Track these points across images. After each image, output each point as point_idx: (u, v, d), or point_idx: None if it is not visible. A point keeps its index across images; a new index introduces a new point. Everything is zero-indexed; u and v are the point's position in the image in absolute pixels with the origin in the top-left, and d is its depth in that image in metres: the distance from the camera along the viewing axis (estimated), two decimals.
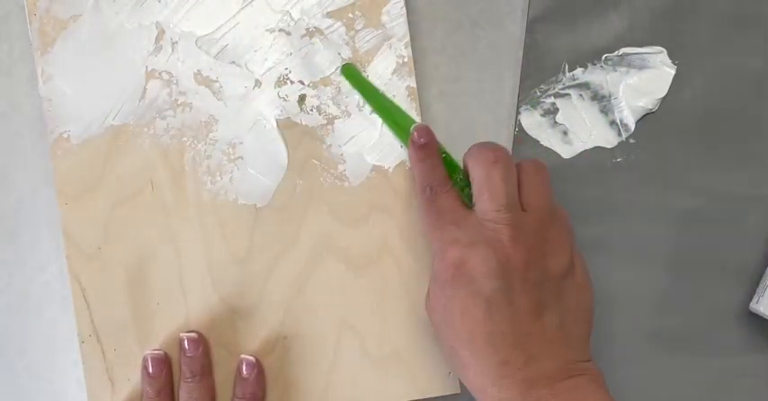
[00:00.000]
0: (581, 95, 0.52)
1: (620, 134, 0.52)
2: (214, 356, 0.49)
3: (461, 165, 0.46)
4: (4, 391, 0.51)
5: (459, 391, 0.50)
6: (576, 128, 0.52)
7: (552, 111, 0.52)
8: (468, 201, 0.44)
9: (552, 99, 0.52)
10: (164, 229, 0.50)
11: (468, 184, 0.44)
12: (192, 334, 0.48)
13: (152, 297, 0.50)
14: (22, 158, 0.52)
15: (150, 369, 0.48)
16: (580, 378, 0.42)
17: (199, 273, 0.50)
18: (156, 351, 0.48)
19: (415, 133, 0.45)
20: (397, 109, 0.49)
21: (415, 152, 0.45)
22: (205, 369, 0.48)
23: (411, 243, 0.50)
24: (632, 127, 0.51)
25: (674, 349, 0.52)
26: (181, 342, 0.48)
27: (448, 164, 0.46)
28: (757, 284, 0.51)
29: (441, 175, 0.45)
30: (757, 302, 0.50)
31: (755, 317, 0.51)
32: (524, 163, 0.45)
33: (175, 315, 0.50)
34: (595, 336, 0.51)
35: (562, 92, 0.52)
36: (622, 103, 0.51)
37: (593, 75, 0.52)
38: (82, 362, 0.49)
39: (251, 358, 0.48)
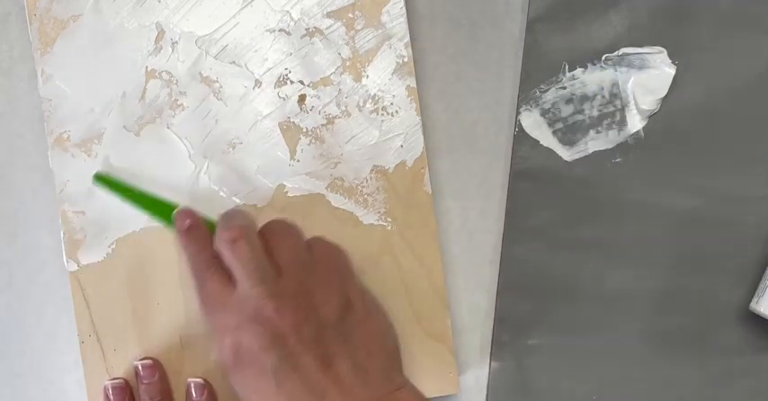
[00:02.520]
0: (581, 95, 0.52)
1: (619, 134, 0.52)
2: (212, 357, 0.49)
3: None
4: (4, 391, 0.51)
5: (458, 391, 0.50)
6: (576, 127, 0.52)
7: (552, 111, 0.52)
8: None
9: (552, 99, 0.52)
10: (164, 229, 0.50)
11: None
12: (147, 361, 0.49)
13: (152, 297, 0.50)
14: (22, 158, 0.52)
15: (112, 398, 0.48)
16: None
17: None
18: (117, 380, 0.49)
19: (178, 218, 0.45)
20: (157, 200, 0.48)
21: (182, 237, 0.45)
22: (164, 395, 0.48)
23: (411, 243, 0.50)
24: (641, 128, 0.51)
25: (674, 349, 0.52)
26: (136, 369, 0.48)
27: None
28: (757, 284, 0.51)
29: (205, 258, 0.44)
30: (757, 302, 0.50)
31: (755, 317, 0.51)
32: (268, 226, 0.44)
33: (175, 315, 0.50)
34: (596, 336, 0.51)
35: (562, 91, 0.52)
36: (631, 104, 0.51)
37: (594, 75, 0.52)
38: (82, 362, 0.49)
39: (199, 380, 0.49)
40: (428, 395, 0.50)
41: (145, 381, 0.48)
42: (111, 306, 0.49)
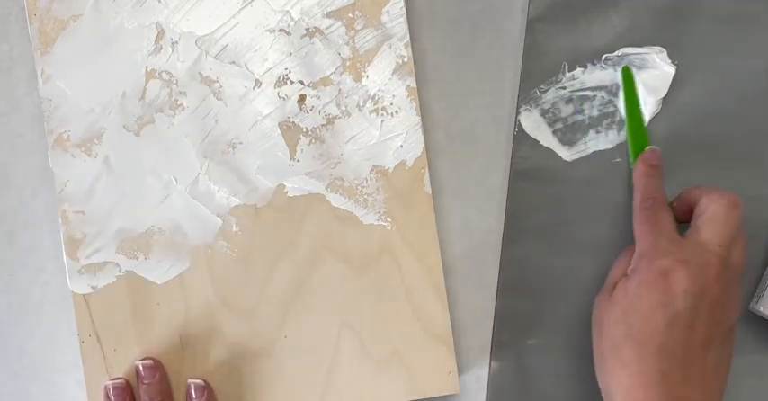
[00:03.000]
0: (581, 95, 0.52)
1: (619, 134, 0.52)
2: (212, 357, 0.49)
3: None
4: (4, 391, 0.51)
5: (458, 391, 0.50)
6: (576, 127, 0.52)
7: (552, 111, 0.52)
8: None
9: (552, 99, 0.52)
10: (164, 231, 0.50)
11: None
12: (148, 361, 0.49)
13: (152, 297, 0.50)
14: (22, 158, 0.52)
15: (113, 398, 0.48)
16: None
17: (199, 273, 0.50)
18: (118, 380, 0.49)
19: (650, 154, 0.50)
20: (643, 126, 0.51)
21: (644, 167, 0.49)
22: (164, 395, 0.48)
23: (411, 243, 0.50)
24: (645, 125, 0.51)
25: None
26: (137, 369, 0.48)
27: None
28: (757, 284, 0.51)
29: (664, 194, 0.48)
30: (757, 302, 0.50)
31: (755, 317, 0.51)
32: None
33: (175, 315, 0.50)
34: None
35: (562, 91, 0.52)
36: (643, 101, 0.51)
37: (594, 75, 0.52)
38: (82, 362, 0.49)
39: (199, 381, 0.49)
40: (428, 395, 0.50)
41: (145, 381, 0.48)
42: (111, 306, 0.49)
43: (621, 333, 0.45)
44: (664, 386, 0.43)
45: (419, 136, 0.51)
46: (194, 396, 0.48)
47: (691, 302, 0.44)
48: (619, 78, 0.51)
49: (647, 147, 0.50)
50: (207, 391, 0.48)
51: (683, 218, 0.48)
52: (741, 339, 0.51)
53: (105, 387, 0.48)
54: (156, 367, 0.48)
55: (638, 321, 0.44)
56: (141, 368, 0.48)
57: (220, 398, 0.49)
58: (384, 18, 0.50)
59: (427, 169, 0.51)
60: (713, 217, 0.46)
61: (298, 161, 0.50)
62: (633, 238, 0.48)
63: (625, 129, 0.51)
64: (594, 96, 0.52)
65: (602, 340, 0.46)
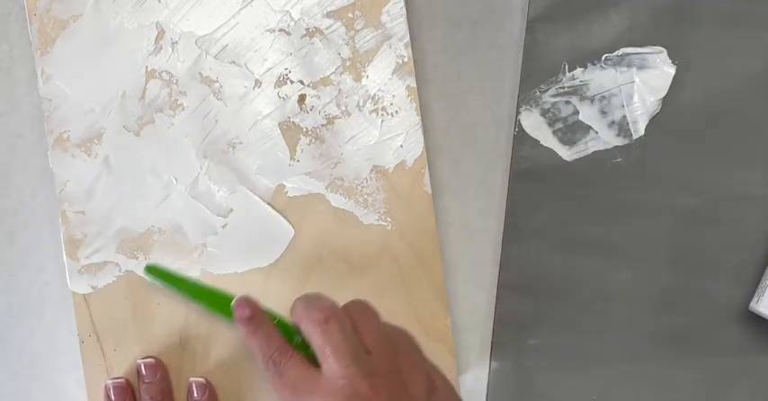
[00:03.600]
0: (581, 95, 0.52)
1: (619, 134, 0.52)
2: (212, 357, 0.49)
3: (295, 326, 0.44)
4: (4, 391, 0.51)
5: (459, 391, 0.50)
6: (576, 127, 0.52)
7: (552, 111, 0.52)
8: (314, 361, 0.42)
9: (552, 99, 0.52)
10: (163, 232, 0.50)
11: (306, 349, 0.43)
12: (150, 360, 0.48)
13: (152, 297, 0.50)
14: (22, 158, 0.52)
15: (113, 397, 0.48)
16: None
17: (198, 273, 0.50)
18: (118, 380, 0.49)
19: (237, 308, 0.44)
20: (212, 291, 0.47)
21: (244, 327, 0.44)
22: (165, 394, 0.48)
23: (411, 243, 0.50)
24: (641, 127, 0.51)
25: (674, 349, 0.52)
26: (138, 368, 0.48)
27: (283, 328, 0.44)
28: (757, 284, 0.51)
29: (278, 344, 0.43)
30: (757, 302, 0.50)
31: (755, 317, 0.51)
32: (348, 307, 0.44)
33: (175, 315, 0.50)
34: (596, 336, 0.52)
35: (563, 91, 0.52)
36: (636, 104, 0.51)
37: (594, 75, 0.52)
38: (82, 362, 0.49)
39: (201, 379, 0.49)
40: None
41: (146, 380, 0.48)
42: (111, 306, 0.49)
43: None
44: None
45: (419, 136, 0.51)
46: (196, 394, 0.48)
47: None
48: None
49: (233, 302, 0.45)
50: (209, 389, 0.48)
51: None
52: (741, 339, 0.52)
53: (106, 386, 0.48)
54: (158, 366, 0.48)
55: None
56: (142, 367, 0.48)
57: (221, 398, 0.49)
58: (384, 18, 0.50)
59: (427, 169, 0.51)
60: (318, 345, 0.41)
61: (298, 161, 0.50)
62: (633, 237, 0.48)
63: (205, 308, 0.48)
64: (594, 96, 0.52)
65: None
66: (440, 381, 0.43)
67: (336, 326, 0.41)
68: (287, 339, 0.44)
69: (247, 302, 0.45)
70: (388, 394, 0.41)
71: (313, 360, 0.42)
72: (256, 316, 0.44)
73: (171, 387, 0.49)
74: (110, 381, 0.48)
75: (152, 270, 0.48)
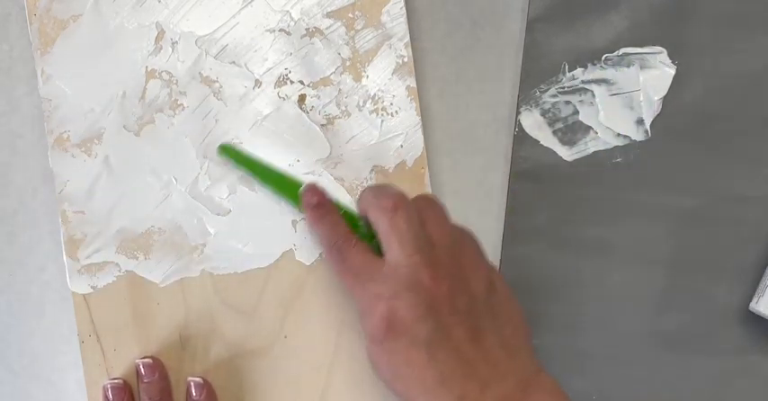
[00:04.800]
0: (582, 95, 0.52)
1: (619, 134, 0.52)
2: (212, 357, 0.49)
3: (360, 215, 0.45)
4: (4, 391, 0.51)
5: None
6: (576, 127, 0.52)
7: (552, 111, 0.52)
8: (377, 250, 0.43)
9: (552, 99, 0.52)
10: (163, 232, 0.50)
11: (373, 233, 0.44)
12: (148, 360, 0.48)
13: (152, 297, 0.50)
14: (22, 158, 0.52)
15: (111, 398, 0.48)
16: (539, 394, 0.42)
17: (199, 273, 0.50)
18: (116, 381, 0.49)
19: (306, 194, 0.46)
20: (283, 175, 0.48)
21: (311, 213, 0.45)
22: (164, 394, 0.48)
23: None
24: (648, 126, 0.51)
25: (674, 349, 0.52)
26: (137, 368, 0.48)
27: (348, 217, 0.46)
28: (757, 284, 0.51)
29: (343, 231, 0.44)
30: (757, 302, 0.50)
31: (755, 317, 0.51)
32: (417, 200, 0.44)
33: (175, 315, 0.50)
34: (596, 336, 0.52)
35: (563, 91, 0.52)
36: (642, 101, 0.51)
37: (594, 75, 0.52)
38: (82, 362, 0.49)
39: (198, 379, 0.49)
40: None
41: (145, 380, 0.48)
42: (111, 306, 0.49)
43: (402, 389, 0.42)
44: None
45: (419, 136, 0.51)
46: (194, 393, 0.48)
47: (430, 324, 0.41)
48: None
49: (301, 189, 0.47)
50: (207, 389, 0.48)
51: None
52: (741, 339, 0.52)
53: (104, 387, 0.48)
54: (156, 365, 0.48)
55: (405, 372, 0.41)
56: (141, 366, 0.48)
57: (220, 398, 0.49)
58: (384, 18, 0.50)
59: (427, 169, 0.51)
60: (383, 233, 0.43)
61: (298, 161, 0.50)
62: (633, 237, 0.48)
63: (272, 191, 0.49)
64: (594, 96, 0.52)
65: (395, 393, 0.43)
66: (499, 284, 0.44)
67: (404, 216, 0.42)
68: (352, 228, 0.44)
69: (316, 189, 0.46)
70: (448, 286, 0.42)
71: (377, 251, 0.43)
72: (324, 204, 0.45)
73: (170, 386, 0.49)
74: (107, 382, 0.48)
75: (226, 149, 0.49)
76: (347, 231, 0.45)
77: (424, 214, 0.43)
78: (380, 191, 0.44)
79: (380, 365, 0.43)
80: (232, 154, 0.49)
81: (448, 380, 0.41)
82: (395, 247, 0.42)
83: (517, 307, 0.45)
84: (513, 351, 0.43)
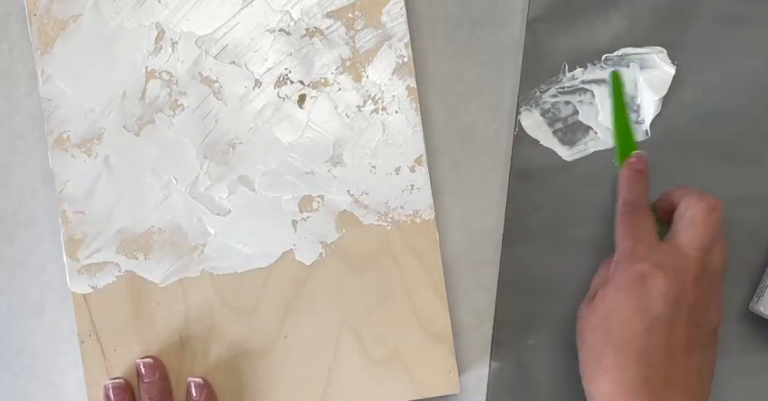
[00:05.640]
0: (582, 95, 0.52)
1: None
2: (212, 357, 0.49)
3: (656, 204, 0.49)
4: (4, 391, 0.51)
5: (458, 391, 0.50)
6: (576, 127, 0.52)
7: (552, 111, 0.52)
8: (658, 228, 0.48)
9: (552, 99, 0.52)
10: (164, 232, 0.50)
11: (656, 217, 0.48)
12: (149, 360, 0.48)
13: (152, 297, 0.50)
14: (22, 158, 0.52)
15: (112, 398, 0.48)
16: None
17: (199, 273, 0.50)
18: (117, 380, 0.49)
19: (636, 156, 0.50)
20: (630, 131, 0.51)
21: (629, 172, 0.49)
22: (164, 394, 0.48)
23: (411, 243, 0.50)
24: (648, 126, 0.51)
25: None
26: (137, 367, 0.48)
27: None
28: (757, 284, 0.51)
29: (646, 199, 0.48)
30: (757, 302, 0.50)
31: (755, 317, 0.51)
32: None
33: (175, 315, 0.50)
34: None
35: (563, 91, 0.52)
36: (645, 101, 0.51)
37: (594, 75, 0.52)
38: (82, 362, 0.49)
39: (198, 379, 0.49)
40: (428, 395, 0.50)
41: (146, 380, 0.48)
42: (111, 306, 0.49)
43: (602, 340, 0.45)
44: (645, 392, 0.43)
45: (419, 136, 0.51)
46: (194, 394, 0.48)
47: (669, 306, 0.44)
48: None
49: (634, 152, 0.50)
50: (207, 389, 0.49)
51: (666, 219, 0.48)
52: (741, 339, 0.51)
53: (105, 386, 0.48)
54: (157, 365, 0.48)
55: (617, 327, 0.44)
56: (142, 366, 0.48)
57: (220, 398, 0.49)
58: (384, 18, 0.50)
59: (427, 169, 0.51)
60: (692, 221, 0.46)
61: (298, 161, 0.50)
62: None
63: (612, 132, 0.51)
64: (594, 96, 0.52)
65: (584, 348, 0.46)
66: (716, 334, 0.47)
67: (716, 220, 0.46)
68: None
69: (646, 160, 0.50)
70: (699, 295, 0.45)
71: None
72: (643, 172, 0.49)
73: (170, 386, 0.49)
74: (109, 382, 0.48)
75: (617, 79, 0.51)
76: (647, 201, 0.48)
77: (718, 244, 0.47)
78: (701, 193, 0.47)
79: (598, 309, 0.45)
80: (616, 85, 0.51)
81: (646, 359, 0.44)
82: (692, 235, 0.45)
83: (713, 360, 0.47)
84: (701, 384, 0.46)
